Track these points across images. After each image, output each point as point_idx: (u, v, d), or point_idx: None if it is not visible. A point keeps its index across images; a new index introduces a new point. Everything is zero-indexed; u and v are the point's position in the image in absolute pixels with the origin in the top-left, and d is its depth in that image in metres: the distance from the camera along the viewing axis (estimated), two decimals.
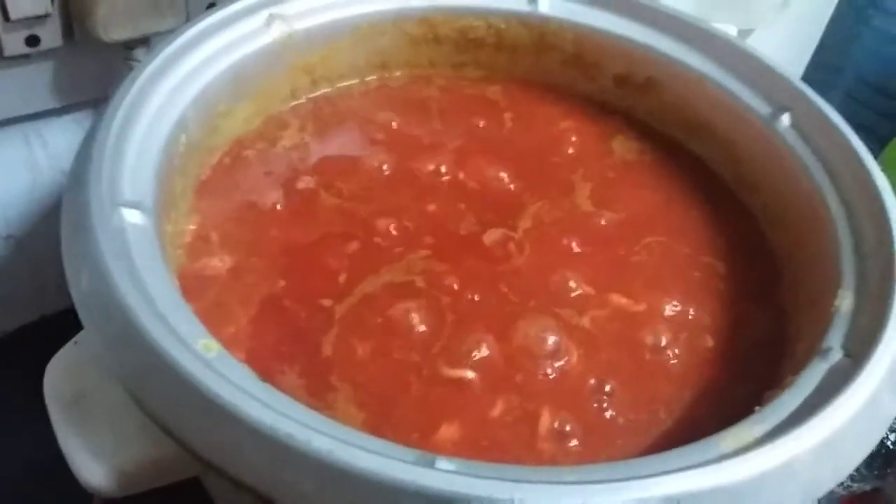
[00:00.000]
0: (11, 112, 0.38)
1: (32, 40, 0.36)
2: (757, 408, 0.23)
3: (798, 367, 0.25)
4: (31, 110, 0.39)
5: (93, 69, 0.39)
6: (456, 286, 0.30)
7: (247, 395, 0.20)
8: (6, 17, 0.35)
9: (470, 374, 0.27)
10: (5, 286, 0.43)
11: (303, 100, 0.38)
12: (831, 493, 0.41)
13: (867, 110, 0.62)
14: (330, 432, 0.20)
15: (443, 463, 0.20)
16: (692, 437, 0.22)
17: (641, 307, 0.30)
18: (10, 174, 0.41)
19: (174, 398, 0.21)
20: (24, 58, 0.37)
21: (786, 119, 0.34)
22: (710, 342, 0.30)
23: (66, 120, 0.41)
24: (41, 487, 0.37)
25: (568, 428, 0.26)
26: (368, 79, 0.40)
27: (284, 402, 0.21)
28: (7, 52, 0.36)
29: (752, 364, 0.28)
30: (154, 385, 0.21)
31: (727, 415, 0.24)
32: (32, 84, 0.38)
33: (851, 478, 0.42)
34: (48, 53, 0.37)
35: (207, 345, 0.22)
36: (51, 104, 0.39)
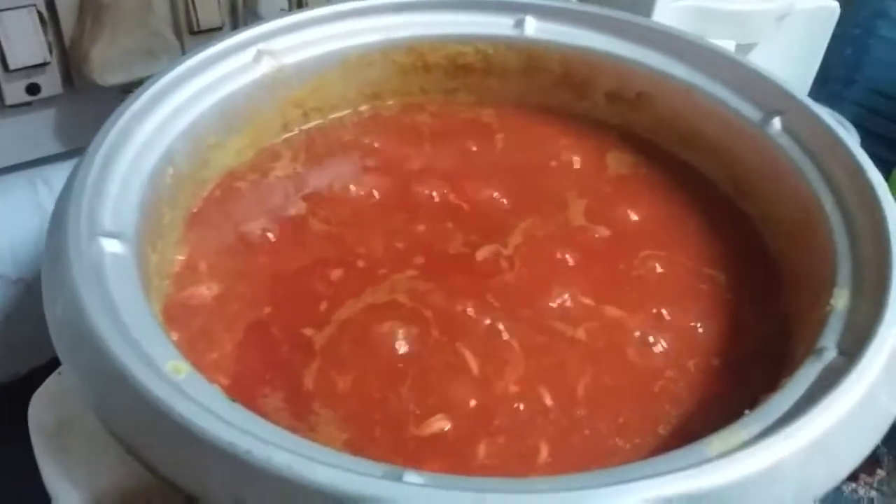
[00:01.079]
0: (16, 158, 0.40)
1: (33, 88, 0.38)
2: (747, 411, 0.22)
3: (793, 369, 0.24)
4: (35, 156, 0.40)
5: (93, 114, 0.40)
6: (442, 302, 0.30)
7: (210, 415, 0.20)
8: (6, 67, 0.36)
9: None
10: (17, 330, 0.44)
11: (295, 131, 0.38)
12: None
13: (882, 119, 0.61)
14: (293, 448, 0.19)
15: (411, 476, 0.19)
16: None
17: (637, 319, 0.29)
18: (18, 219, 0.42)
19: (140, 420, 0.21)
20: (25, 105, 0.38)
21: (777, 123, 0.33)
22: (710, 352, 0.28)
23: (70, 165, 0.41)
24: None
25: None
26: (361, 109, 0.40)
27: (251, 421, 0.21)
28: (9, 101, 0.37)
29: (752, 371, 0.27)
30: (121, 408, 0.21)
31: (726, 424, 0.23)
32: (35, 130, 0.39)
33: (882, 492, 0.40)
34: (49, 101, 0.39)
35: (176, 366, 0.22)
36: (54, 149, 0.40)
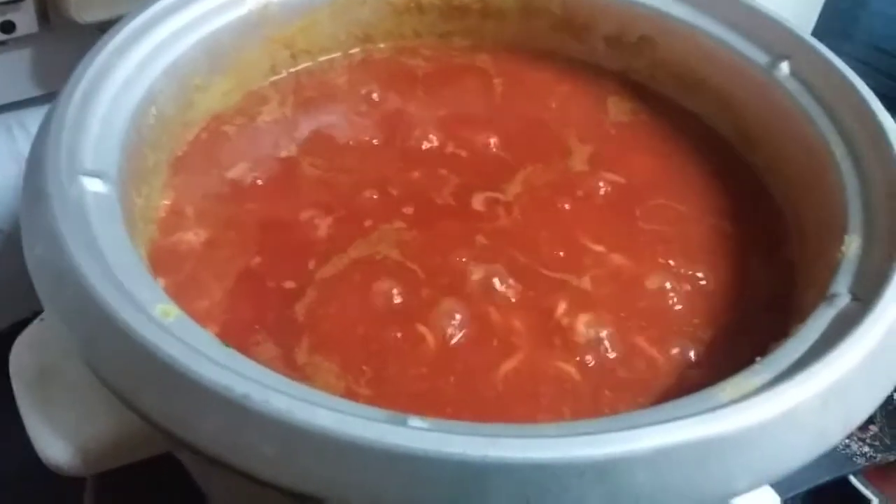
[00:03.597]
0: None
1: (7, 26, 0.36)
2: (758, 358, 0.22)
3: (804, 315, 0.23)
4: (10, 99, 0.38)
5: (71, 55, 0.38)
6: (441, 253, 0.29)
7: (203, 358, 0.19)
8: None
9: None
10: None
11: (283, 74, 0.37)
12: (854, 462, 0.39)
13: (880, 76, 0.60)
14: (291, 392, 0.19)
15: (415, 421, 0.19)
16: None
17: (643, 268, 0.28)
18: None
19: (130, 364, 0.20)
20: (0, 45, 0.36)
21: (785, 67, 0.32)
22: (716, 300, 0.28)
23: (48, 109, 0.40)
24: (37, 486, 0.36)
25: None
26: (352, 52, 0.39)
27: (244, 364, 0.20)
28: None
29: (760, 320, 0.27)
30: (110, 352, 0.20)
31: (734, 371, 0.22)
32: (10, 72, 0.37)
33: (875, 448, 0.40)
34: (25, 40, 0.37)
35: (165, 310, 0.21)
36: (31, 92, 0.39)
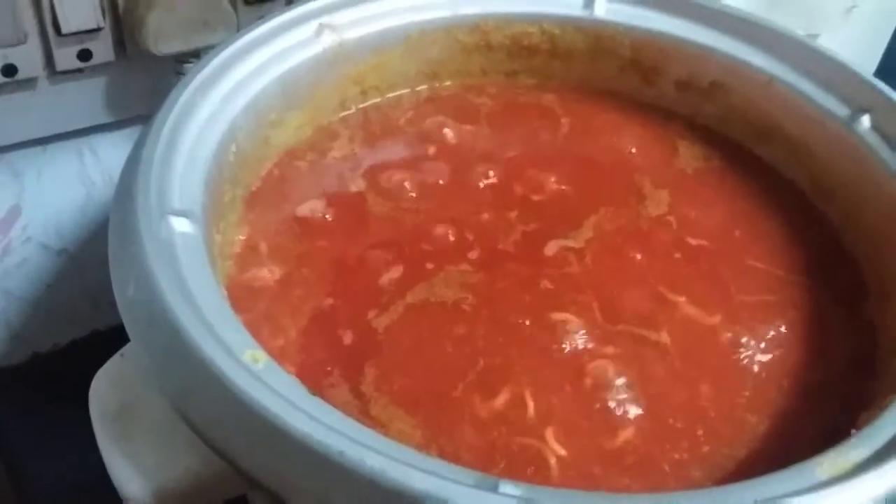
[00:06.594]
0: (64, 127, 0.38)
1: (85, 55, 0.37)
2: (854, 430, 0.21)
3: (893, 381, 0.23)
4: (83, 125, 0.39)
5: (145, 84, 0.39)
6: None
7: (295, 409, 0.19)
8: (59, 31, 0.35)
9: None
10: (58, 300, 0.43)
11: (353, 110, 0.37)
12: None
13: None
14: (384, 450, 0.19)
15: (507, 487, 0.18)
16: (780, 456, 0.20)
17: (715, 318, 0.28)
18: (63, 189, 0.41)
19: (220, 411, 0.20)
20: (76, 72, 0.37)
21: (866, 121, 0.32)
22: (793, 359, 0.27)
23: (119, 135, 0.41)
24: None
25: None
26: (419, 88, 0.39)
27: (335, 418, 0.20)
28: (59, 67, 0.36)
29: (841, 383, 0.26)
30: (199, 397, 0.20)
31: (818, 435, 0.22)
32: (85, 99, 0.38)
33: None
34: (100, 68, 0.37)
35: (255, 355, 0.21)
36: (103, 119, 0.39)
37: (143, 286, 0.22)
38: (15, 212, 0.40)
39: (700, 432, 0.24)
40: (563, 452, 0.23)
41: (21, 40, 0.35)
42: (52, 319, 0.43)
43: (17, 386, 0.43)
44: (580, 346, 0.27)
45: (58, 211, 0.41)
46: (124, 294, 0.23)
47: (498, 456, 0.23)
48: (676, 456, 0.24)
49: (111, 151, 0.41)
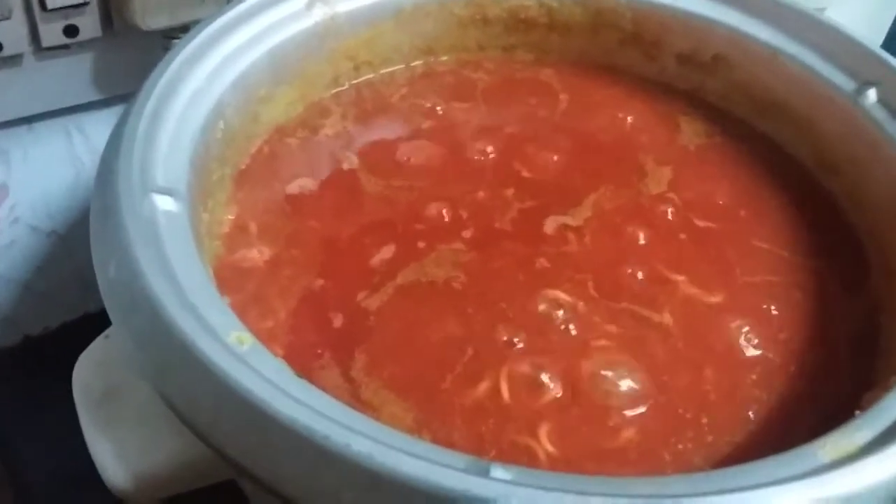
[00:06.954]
0: (51, 104, 0.38)
1: (71, 30, 0.36)
2: (857, 412, 0.20)
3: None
4: (70, 103, 0.38)
5: (133, 60, 0.38)
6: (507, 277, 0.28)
7: (281, 393, 0.19)
8: (44, 7, 0.34)
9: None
10: (49, 282, 0.43)
11: (346, 86, 0.36)
12: None
13: None
14: (371, 434, 0.18)
15: (498, 471, 0.18)
16: (782, 440, 0.20)
17: (717, 299, 0.27)
18: (52, 169, 0.40)
19: (203, 395, 0.19)
20: (63, 48, 0.36)
21: (872, 94, 0.31)
22: (796, 338, 0.26)
23: (107, 113, 0.40)
24: (75, 490, 0.36)
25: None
26: (414, 64, 0.38)
27: (322, 401, 0.19)
28: (45, 43, 0.35)
29: (844, 362, 0.25)
30: (182, 380, 0.20)
31: (820, 418, 0.21)
32: (72, 76, 0.37)
33: None
34: (87, 44, 0.36)
35: (240, 337, 0.20)
36: (91, 96, 0.38)
37: (124, 266, 0.21)
38: (2, 192, 0.39)
39: (705, 420, 0.24)
40: (552, 449, 0.23)
41: (5, 16, 0.34)
42: (42, 302, 0.43)
43: (8, 369, 0.42)
44: (577, 325, 0.26)
45: (46, 192, 0.40)
46: (105, 274, 0.22)
47: (490, 442, 0.23)
48: (680, 446, 0.23)
49: (99, 130, 0.40)
